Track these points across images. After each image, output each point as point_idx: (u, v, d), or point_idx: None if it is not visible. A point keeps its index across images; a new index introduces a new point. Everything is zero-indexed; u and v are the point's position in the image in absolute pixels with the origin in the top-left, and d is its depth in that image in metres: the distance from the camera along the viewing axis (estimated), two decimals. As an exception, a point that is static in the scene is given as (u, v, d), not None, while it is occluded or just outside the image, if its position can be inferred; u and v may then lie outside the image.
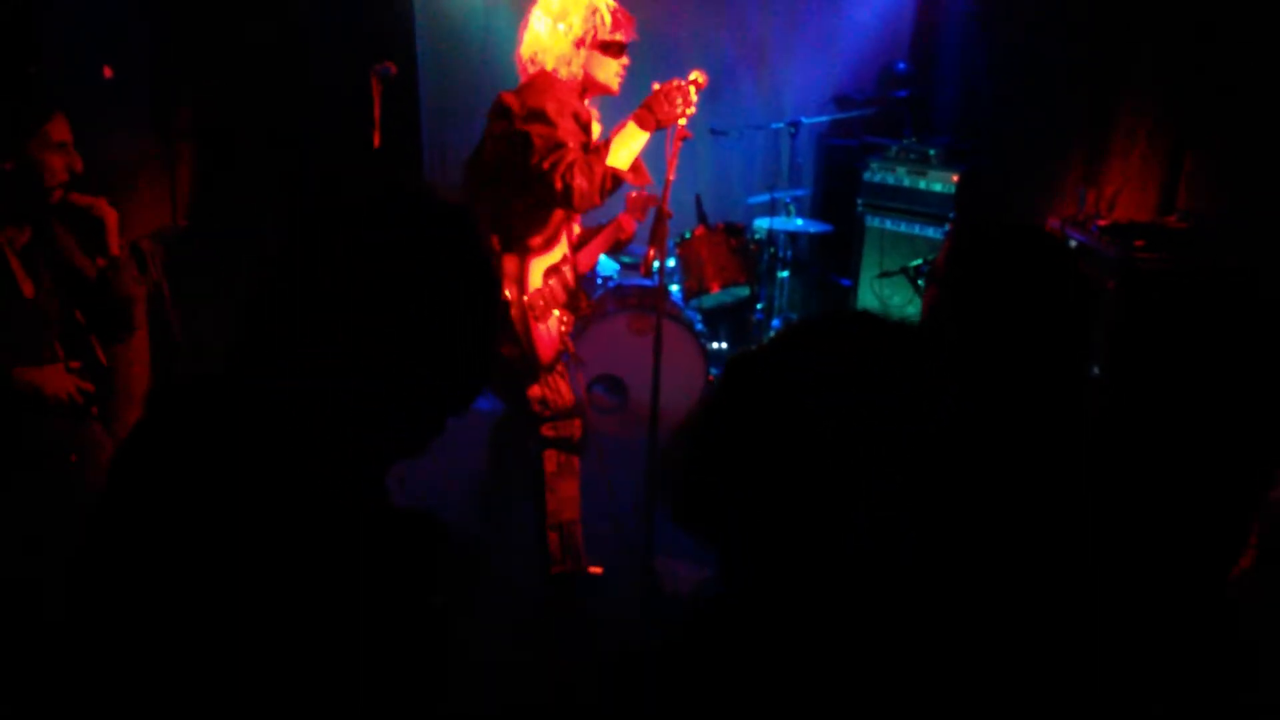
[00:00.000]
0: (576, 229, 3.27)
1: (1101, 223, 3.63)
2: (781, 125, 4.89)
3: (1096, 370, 3.05)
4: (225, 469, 1.00)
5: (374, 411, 1.06)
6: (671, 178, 3.01)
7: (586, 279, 3.91)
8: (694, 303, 4.62)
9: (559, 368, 3.17)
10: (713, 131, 4.89)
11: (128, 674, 0.99)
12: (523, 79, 2.97)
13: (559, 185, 2.76)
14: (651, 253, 3.06)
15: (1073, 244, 3.74)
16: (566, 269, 3.14)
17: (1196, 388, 2.93)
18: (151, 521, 1.01)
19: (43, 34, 3.22)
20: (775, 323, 4.96)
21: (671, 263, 4.63)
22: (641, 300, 4.35)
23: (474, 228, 1.12)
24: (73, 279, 2.47)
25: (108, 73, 3.56)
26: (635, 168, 2.95)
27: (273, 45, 4.19)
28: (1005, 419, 1.47)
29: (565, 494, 3.19)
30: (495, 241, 2.98)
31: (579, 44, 2.89)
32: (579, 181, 2.75)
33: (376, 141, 3.68)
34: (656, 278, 3.07)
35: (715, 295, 4.55)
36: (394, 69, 3.69)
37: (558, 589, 3.23)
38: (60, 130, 2.34)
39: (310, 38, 4.44)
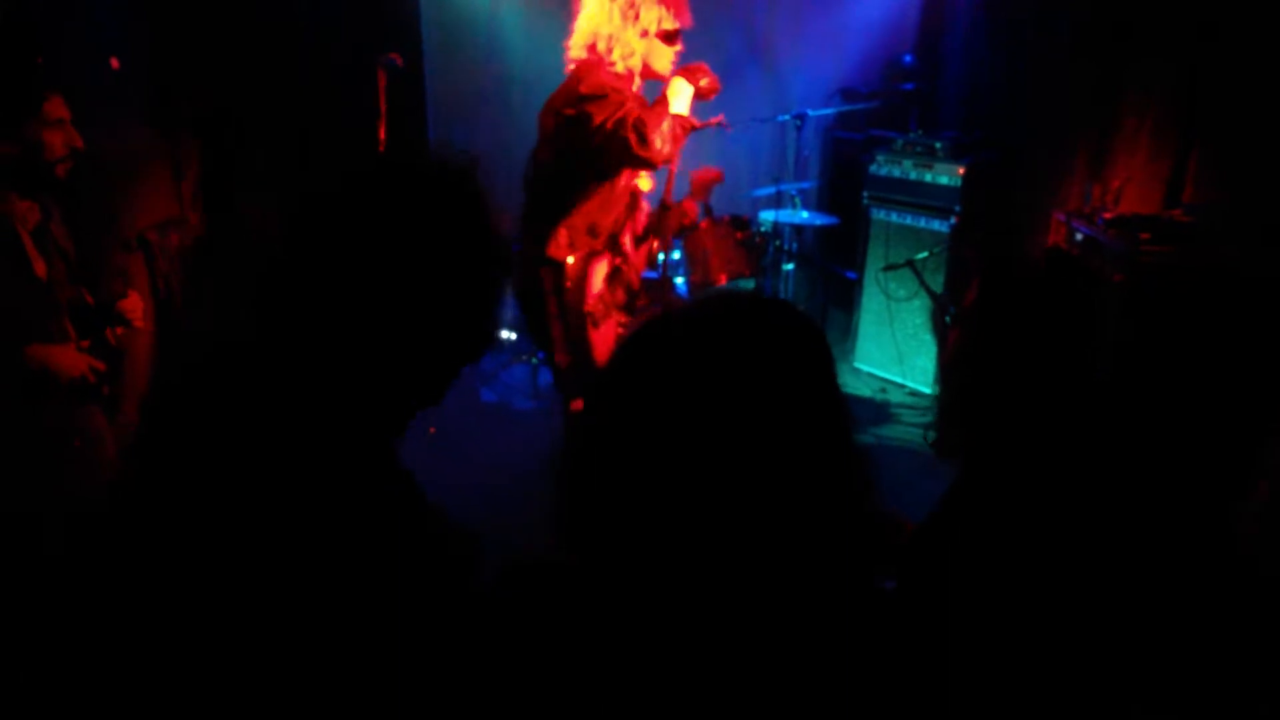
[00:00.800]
0: (642, 219, 3.22)
1: (1107, 215, 3.62)
2: (787, 118, 4.87)
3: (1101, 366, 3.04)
4: (238, 438, 1.02)
5: (379, 376, 1.08)
6: (675, 169, 3.01)
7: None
8: (699, 295, 4.62)
9: None
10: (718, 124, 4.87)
11: (137, 639, 1.00)
12: (572, 65, 2.93)
13: (631, 138, 2.70)
14: (656, 245, 3.06)
15: (1078, 237, 3.73)
16: (629, 270, 3.10)
17: (1201, 380, 2.93)
18: (167, 491, 1.03)
19: (48, 25, 3.23)
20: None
21: (676, 255, 4.63)
22: (647, 293, 4.35)
23: (476, 193, 1.12)
24: (77, 261, 2.49)
25: (115, 63, 3.57)
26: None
27: (279, 35, 4.19)
28: (1025, 456, 1.46)
29: None
30: (559, 246, 2.92)
31: (644, 34, 2.85)
32: (651, 133, 2.71)
33: (382, 133, 3.69)
34: (661, 270, 3.08)
35: (721, 288, 4.54)
36: (400, 60, 3.70)
37: None
38: (57, 108, 2.36)
39: (317, 29, 4.44)
